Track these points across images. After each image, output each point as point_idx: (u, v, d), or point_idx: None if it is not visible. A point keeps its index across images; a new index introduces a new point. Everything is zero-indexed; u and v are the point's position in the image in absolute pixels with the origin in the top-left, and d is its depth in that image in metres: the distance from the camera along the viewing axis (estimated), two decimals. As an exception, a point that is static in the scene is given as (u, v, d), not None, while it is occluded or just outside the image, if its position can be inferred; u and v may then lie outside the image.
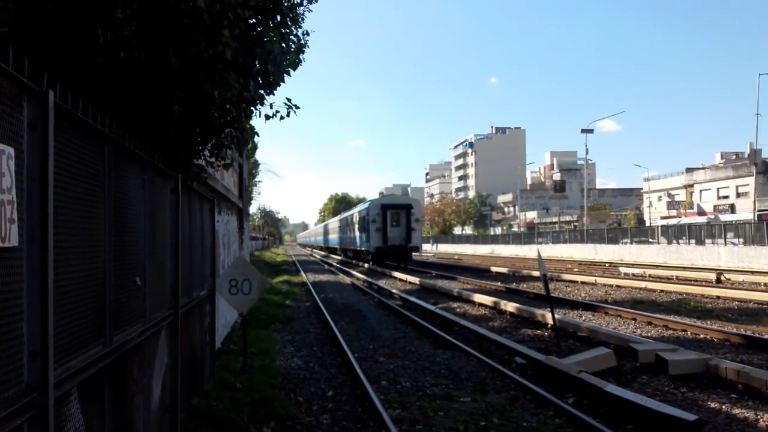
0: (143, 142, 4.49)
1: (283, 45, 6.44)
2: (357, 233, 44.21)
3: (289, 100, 6.95)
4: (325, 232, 74.99)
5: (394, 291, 22.31)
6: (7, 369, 2.40)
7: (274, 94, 6.87)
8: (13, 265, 2.47)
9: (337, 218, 65.34)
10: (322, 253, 76.90)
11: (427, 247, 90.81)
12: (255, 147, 40.12)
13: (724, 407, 7.47)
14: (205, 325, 8.33)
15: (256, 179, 55.03)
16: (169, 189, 5.62)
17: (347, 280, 30.72)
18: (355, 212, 47.61)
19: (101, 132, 3.51)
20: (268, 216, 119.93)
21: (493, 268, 35.08)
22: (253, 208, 70.76)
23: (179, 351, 5.84)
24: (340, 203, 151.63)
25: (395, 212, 38.85)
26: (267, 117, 6.97)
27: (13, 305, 2.46)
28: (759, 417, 7.03)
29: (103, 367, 3.55)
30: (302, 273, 36.10)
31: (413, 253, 40.00)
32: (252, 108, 6.81)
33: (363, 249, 42.08)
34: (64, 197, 2.95)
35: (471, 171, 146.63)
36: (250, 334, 10.94)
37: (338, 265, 43.84)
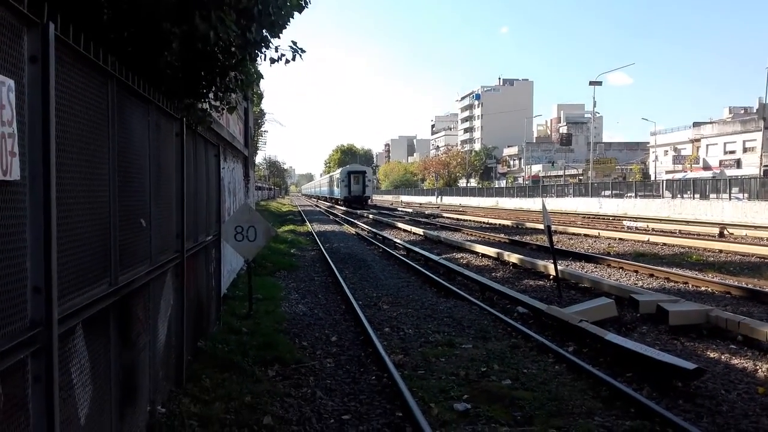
0: (148, 83, 4.41)
1: None
2: (335, 188, 70.20)
3: (294, 43, 6.82)
4: (321, 185, 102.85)
5: (397, 241, 22.38)
6: (10, 303, 2.39)
7: (279, 38, 6.73)
8: (15, 199, 2.44)
9: (327, 176, 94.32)
10: (327, 204, 77.65)
11: (431, 199, 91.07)
12: (261, 96, 39.78)
13: (723, 357, 7.54)
14: (211, 270, 8.39)
15: (262, 129, 55.23)
16: (174, 132, 5.57)
17: (352, 230, 30.81)
18: (334, 174, 76.20)
19: (104, 69, 3.45)
20: (273, 166, 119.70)
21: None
22: (258, 158, 73.31)
23: (185, 294, 5.90)
24: (346, 154, 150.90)
25: (356, 175, 62.38)
26: (272, 60, 6.85)
27: (15, 239, 2.44)
28: (758, 367, 7.10)
29: (109, 305, 3.58)
30: (307, 223, 36.20)
31: (368, 200, 63.80)
32: (256, 51, 6.68)
33: (338, 197, 67.01)
34: (66, 133, 2.91)
35: (477, 123, 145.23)
36: (255, 280, 11.02)
37: (343, 216, 44.05)
